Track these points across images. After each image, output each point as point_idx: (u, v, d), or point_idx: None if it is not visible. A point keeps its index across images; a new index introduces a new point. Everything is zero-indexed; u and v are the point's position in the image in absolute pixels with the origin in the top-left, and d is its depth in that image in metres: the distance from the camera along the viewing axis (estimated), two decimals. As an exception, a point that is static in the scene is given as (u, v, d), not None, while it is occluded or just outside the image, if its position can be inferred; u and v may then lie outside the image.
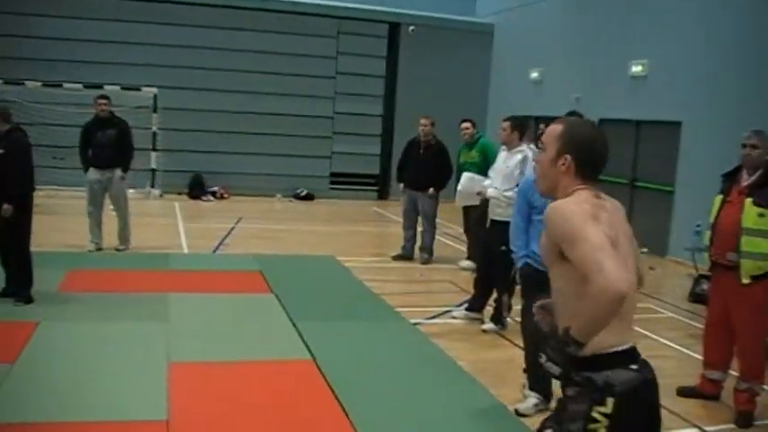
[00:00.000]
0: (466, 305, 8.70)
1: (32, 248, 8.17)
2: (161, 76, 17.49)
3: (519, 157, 7.97)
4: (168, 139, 17.56)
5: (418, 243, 11.59)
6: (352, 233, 14.39)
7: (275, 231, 13.69)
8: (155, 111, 17.17)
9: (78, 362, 6.28)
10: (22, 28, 17.36)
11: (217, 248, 11.66)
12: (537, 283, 5.02)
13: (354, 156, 19.46)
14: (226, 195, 17.98)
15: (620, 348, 2.86)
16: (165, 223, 13.87)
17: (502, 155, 8.28)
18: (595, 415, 2.78)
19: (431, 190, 11.25)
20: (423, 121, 11.42)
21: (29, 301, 7.79)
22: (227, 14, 18.32)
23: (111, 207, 10.97)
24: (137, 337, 6.94)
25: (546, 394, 5.88)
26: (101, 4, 17.76)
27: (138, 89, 16.66)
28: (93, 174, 10.69)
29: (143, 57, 17.69)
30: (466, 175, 9.44)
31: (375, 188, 19.95)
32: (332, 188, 19.28)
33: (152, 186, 17.43)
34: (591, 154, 3.03)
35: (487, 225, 8.22)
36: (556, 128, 3.08)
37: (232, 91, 18.45)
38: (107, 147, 10.57)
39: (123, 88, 16.35)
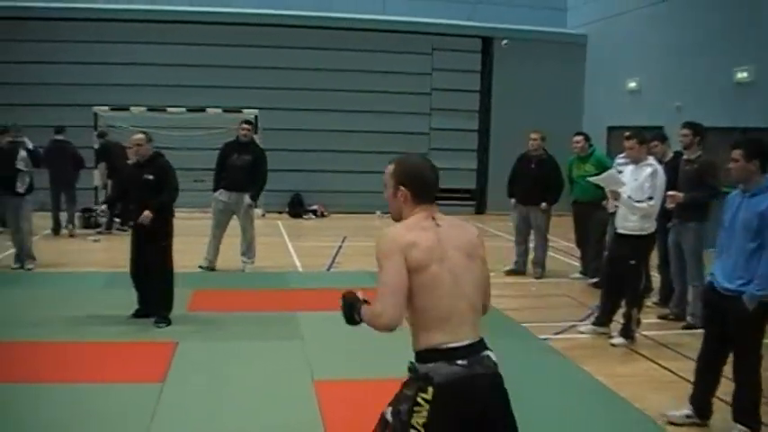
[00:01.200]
0: (592, 319, 8.60)
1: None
2: (261, 98, 17.79)
3: (648, 170, 7.86)
4: (269, 158, 17.75)
5: (529, 257, 11.54)
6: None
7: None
8: (255, 131, 17.42)
9: (224, 380, 6.41)
10: (129, 56, 17.91)
11: (330, 266, 11.79)
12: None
13: (451, 171, 19.39)
14: (326, 213, 18.18)
15: (445, 346, 3.29)
16: (273, 242, 14.05)
17: (628, 168, 8.18)
18: (419, 399, 3.25)
19: (543, 204, 11.17)
20: (533, 135, 11.37)
21: (169, 322, 7.98)
22: (323, 35, 18.61)
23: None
24: (276, 356, 7.06)
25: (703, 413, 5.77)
26: (202, 31, 18.20)
27: (239, 111, 16.99)
28: (221, 195, 10.90)
29: (244, 79, 18.06)
30: (612, 171, 9.08)
31: (472, 203, 19.93)
32: (429, 204, 19.21)
33: (254, 206, 17.65)
34: (421, 181, 3.47)
35: (609, 237, 8.11)
36: (389, 167, 3.53)
37: (329, 110, 18.71)
38: (241, 170, 10.77)
39: (225, 110, 16.69)
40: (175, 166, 16.99)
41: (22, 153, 10.82)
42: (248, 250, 11.09)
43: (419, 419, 3.25)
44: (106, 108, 16.53)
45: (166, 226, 8.15)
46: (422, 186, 3.48)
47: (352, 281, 10.19)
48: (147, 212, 7.93)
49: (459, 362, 3.29)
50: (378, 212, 18.33)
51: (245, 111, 17.18)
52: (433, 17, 19.31)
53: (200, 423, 5.49)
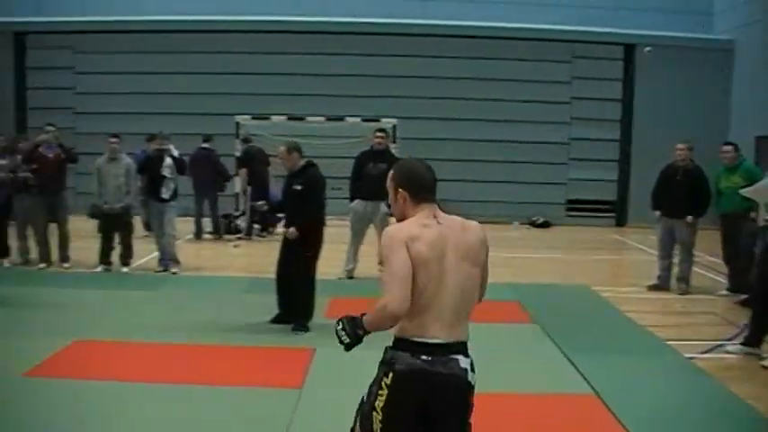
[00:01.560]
0: (741, 339, 8.18)
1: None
2: (399, 107, 17.85)
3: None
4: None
5: (673, 272, 11.11)
6: (596, 261, 14.01)
7: (519, 259, 13.53)
8: (394, 141, 17.52)
9: (361, 389, 6.38)
10: (270, 66, 18.36)
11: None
12: None
13: (591, 182, 19.04)
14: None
15: (416, 339, 3.44)
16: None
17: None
18: (383, 383, 3.51)
19: (689, 218, 10.72)
20: (680, 146, 10.93)
21: (307, 330, 8.05)
22: (462, 44, 18.58)
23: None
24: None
25: None
26: (341, 41, 18.47)
27: (377, 120, 17.09)
28: (358, 204, 10.96)
29: (383, 89, 18.19)
30: (766, 182, 8.65)
31: (612, 215, 19.41)
32: (568, 215, 18.96)
33: (391, 214, 17.74)
34: (417, 182, 3.63)
35: (759, 251, 7.69)
36: (389, 174, 3.72)
37: (467, 119, 18.63)
38: (377, 179, 10.78)
39: (364, 120, 16.82)
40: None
41: (168, 160, 11.21)
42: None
43: (380, 402, 3.51)
44: (248, 117, 16.93)
45: (314, 235, 8.19)
46: (419, 186, 3.63)
47: (491, 293, 10.02)
48: (292, 230, 8.06)
49: (423, 357, 3.43)
50: (515, 223, 18.13)
51: (384, 120, 17.26)
52: (573, 24, 18.94)
53: (337, 429, 5.47)
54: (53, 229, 11.53)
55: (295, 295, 8.24)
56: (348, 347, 3.64)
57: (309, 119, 17.08)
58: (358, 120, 16.94)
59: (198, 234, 14.75)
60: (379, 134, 11.17)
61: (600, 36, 19.11)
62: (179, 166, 11.44)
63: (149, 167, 11.31)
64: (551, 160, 18.97)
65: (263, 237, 15.02)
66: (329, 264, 11.69)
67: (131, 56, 19.09)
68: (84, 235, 11.99)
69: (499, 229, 17.18)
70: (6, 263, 11.65)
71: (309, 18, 18.62)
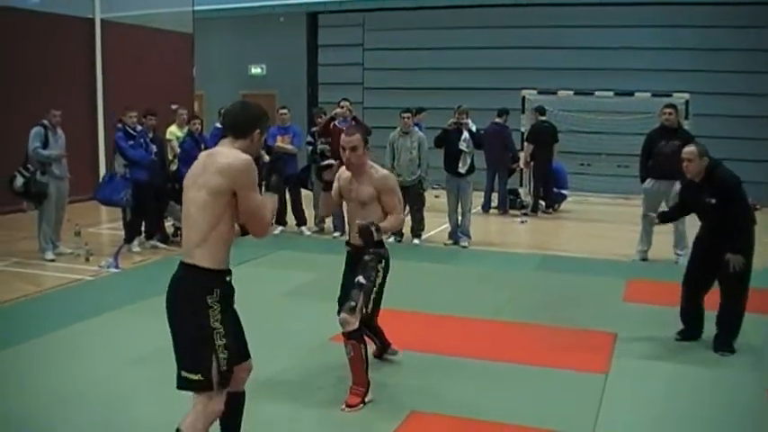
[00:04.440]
0: None
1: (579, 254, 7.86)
2: (692, 81, 16.86)
3: None
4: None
5: None
6: None
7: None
8: (686, 117, 16.63)
9: (665, 379, 6.10)
10: (556, 39, 18.05)
11: None
12: None
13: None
14: (758, 207, 16.82)
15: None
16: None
17: None
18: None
19: None
20: None
21: (732, 351, 6.72)
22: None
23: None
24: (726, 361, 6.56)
25: None
26: (630, 12, 17.78)
27: (668, 95, 16.26)
28: (650, 184, 10.50)
29: (674, 62, 17.29)
30: None
31: None
32: None
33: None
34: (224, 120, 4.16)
35: None
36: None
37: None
38: (670, 157, 10.27)
39: (654, 95, 16.06)
40: (600, 151, 16.80)
41: (465, 134, 11.30)
42: (681, 242, 10.52)
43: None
44: (534, 92, 16.73)
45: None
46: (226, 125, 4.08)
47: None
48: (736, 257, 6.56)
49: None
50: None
51: (675, 95, 16.41)
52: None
53: (644, 423, 5.26)
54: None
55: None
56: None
57: (597, 93, 16.57)
58: (648, 95, 16.21)
59: (486, 207, 14.83)
60: (666, 110, 10.54)
61: None
62: (476, 140, 11.50)
63: (447, 141, 11.48)
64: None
65: (549, 213, 14.85)
66: (621, 244, 11.37)
67: (418, 32, 19.50)
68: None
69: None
70: (306, 230, 12.30)
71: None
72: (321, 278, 8.84)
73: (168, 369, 3.90)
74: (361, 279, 5.44)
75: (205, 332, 3.77)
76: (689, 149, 6.84)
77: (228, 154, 3.83)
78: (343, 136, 5.60)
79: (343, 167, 5.66)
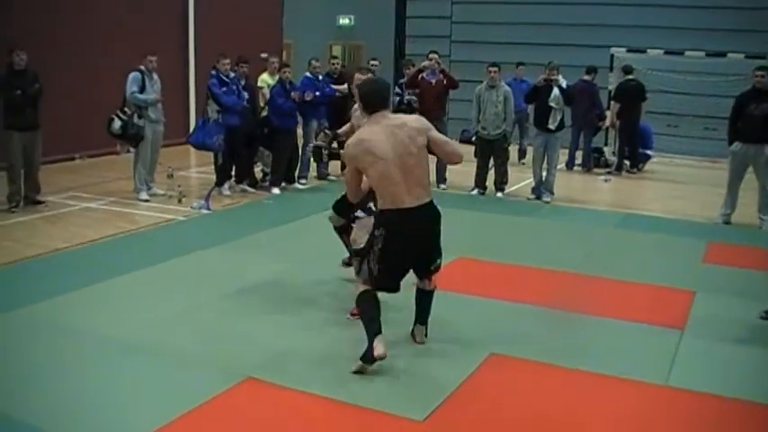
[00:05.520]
0: None
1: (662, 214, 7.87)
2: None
3: None
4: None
5: None
6: None
7: None
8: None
9: (738, 338, 6.18)
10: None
11: None
12: None
13: None
14: None
15: (391, 207, 5.06)
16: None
17: None
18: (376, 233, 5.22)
19: None
20: None
21: None
22: None
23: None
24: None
25: None
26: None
27: (763, 57, 15.86)
28: (737, 147, 10.38)
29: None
30: None
31: None
32: None
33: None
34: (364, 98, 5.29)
35: None
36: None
37: None
38: (761, 120, 10.13)
39: (747, 56, 15.71)
40: (688, 113, 16.54)
41: (556, 91, 11.32)
42: (766, 207, 10.43)
43: (377, 244, 5.19)
44: (623, 50, 16.52)
45: None
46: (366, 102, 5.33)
47: None
48: None
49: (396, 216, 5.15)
50: None
51: (770, 57, 16.07)
52: None
53: (716, 377, 5.37)
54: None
55: None
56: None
57: (688, 53, 16.28)
58: (740, 56, 15.87)
59: (570, 165, 14.84)
60: (758, 72, 10.34)
61: None
62: (566, 97, 11.51)
63: (537, 97, 11.53)
64: None
65: (633, 173, 14.77)
66: (704, 207, 11.32)
67: (509, -15, 19.38)
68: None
69: None
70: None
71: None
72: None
73: (260, 301, 4.17)
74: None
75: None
76: None
77: (409, 120, 5.24)
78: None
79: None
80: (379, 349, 5.01)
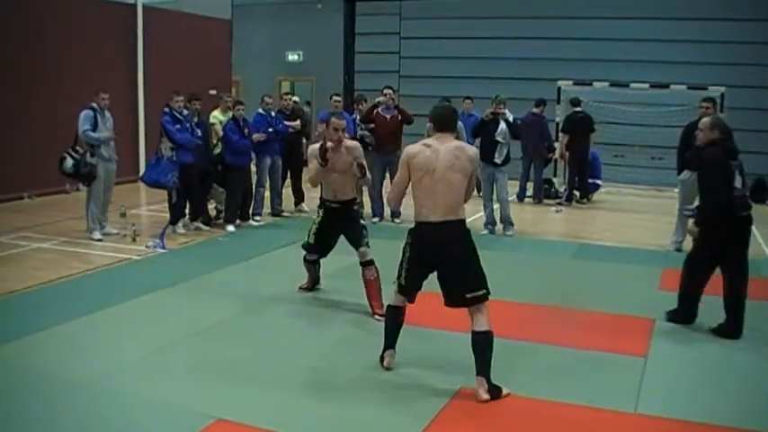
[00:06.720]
0: None
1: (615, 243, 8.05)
2: (728, 75, 16.86)
3: None
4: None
5: None
6: None
7: None
8: (722, 110, 16.65)
9: (703, 365, 6.28)
10: (591, 30, 18.13)
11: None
12: None
13: None
14: (791, 200, 16.85)
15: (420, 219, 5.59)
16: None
17: None
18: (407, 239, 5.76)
19: None
20: None
21: None
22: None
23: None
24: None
25: None
26: (661, 4, 17.76)
27: (704, 88, 16.29)
28: (686, 175, 10.60)
29: (710, 55, 17.29)
30: None
31: None
32: None
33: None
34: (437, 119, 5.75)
35: None
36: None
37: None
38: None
39: (689, 87, 16.09)
40: (633, 143, 16.84)
41: (503, 125, 11.43)
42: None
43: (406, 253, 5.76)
44: (570, 83, 16.83)
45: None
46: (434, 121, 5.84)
47: None
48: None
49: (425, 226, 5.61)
50: None
51: (711, 88, 16.43)
52: None
53: (682, 402, 5.45)
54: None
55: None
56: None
57: (633, 85, 16.64)
58: (683, 87, 16.25)
59: (521, 197, 14.98)
60: (704, 104, 10.57)
61: None
62: (513, 130, 11.62)
63: (483, 131, 11.62)
64: None
65: (584, 203, 14.98)
66: (655, 236, 11.50)
67: (455, 21, 19.62)
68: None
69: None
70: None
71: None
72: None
73: (227, 341, 4.12)
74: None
75: (478, 259, 5.56)
76: (705, 120, 7.19)
77: (467, 147, 5.71)
78: (333, 119, 7.30)
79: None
80: (385, 361, 5.91)
